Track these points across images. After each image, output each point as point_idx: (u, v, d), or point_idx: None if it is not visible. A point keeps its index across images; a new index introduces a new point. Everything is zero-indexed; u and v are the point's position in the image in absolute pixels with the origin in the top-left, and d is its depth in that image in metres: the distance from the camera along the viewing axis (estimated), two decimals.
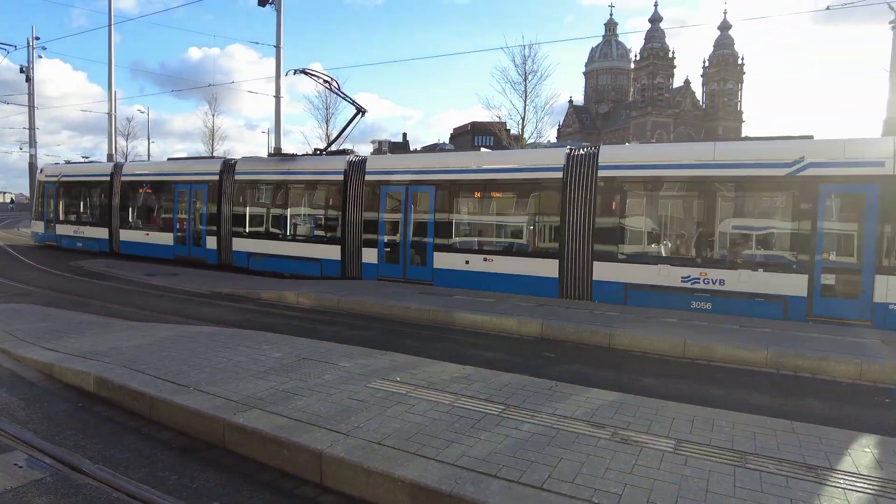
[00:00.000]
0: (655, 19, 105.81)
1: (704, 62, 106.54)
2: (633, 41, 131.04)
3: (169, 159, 20.86)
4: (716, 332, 8.80)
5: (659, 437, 4.45)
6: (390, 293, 11.98)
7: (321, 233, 15.41)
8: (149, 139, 54.15)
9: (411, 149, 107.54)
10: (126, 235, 19.62)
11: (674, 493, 3.59)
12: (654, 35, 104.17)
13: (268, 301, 12.19)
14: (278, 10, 20.67)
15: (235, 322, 9.75)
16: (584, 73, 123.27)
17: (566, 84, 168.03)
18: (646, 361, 7.94)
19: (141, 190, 19.55)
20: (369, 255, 14.33)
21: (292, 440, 4.22)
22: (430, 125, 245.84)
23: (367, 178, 14.39)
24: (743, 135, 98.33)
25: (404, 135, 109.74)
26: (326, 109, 32.73)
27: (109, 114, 26.18)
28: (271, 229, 16.28)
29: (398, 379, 5.78)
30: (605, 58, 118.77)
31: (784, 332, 8.86)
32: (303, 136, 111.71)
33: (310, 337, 7.98)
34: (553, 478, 3.72)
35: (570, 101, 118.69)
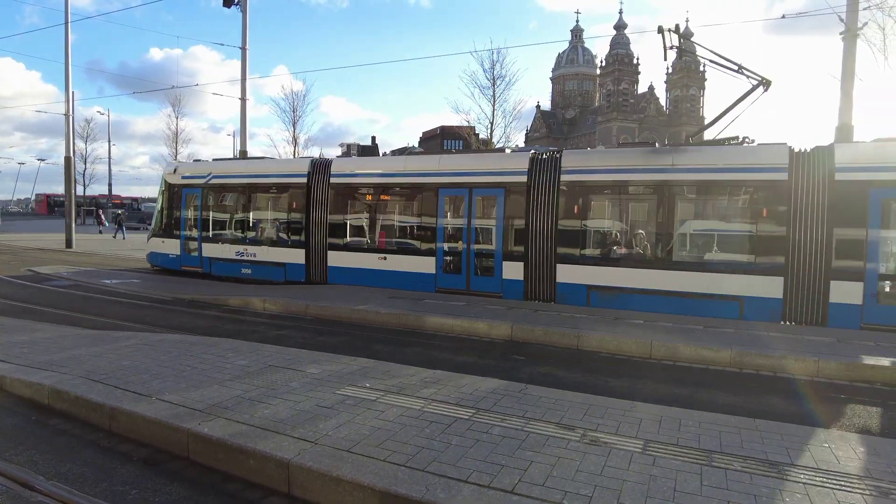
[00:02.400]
0: (620, 26, 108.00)
1: (668, 69, 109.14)
2: (599, 47, 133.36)
3: (412, 153, 15.25)
4: (681, 332, 8.97)
5: (627, 438, 4.50)
6: (359, 297, 11.87)
7: (742, 258, 10.53)
8: (109, 141, 52.92)
9: (380, 153, 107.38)
10: (339, 259, 13.96)
11: (643, 493, 3.63)
12: (620, 42, 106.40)
13: (234, 307, 11.93)
14: (244, 12, 20.37)
15: (200, 329, 9.52)
16: (551, 79, 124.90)
17: (533, 89, 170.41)
18: (614, 363, 8.04)
19: (370, 197, 14.03)
20: (847, 293, 9.61)
21: (258, 449, 4.12)
22: (399, 129, 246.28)
23: (842, 177, 9.68)
24: (704, 139, 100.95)
25: (373, 138, 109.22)
26: (294, 112, 32.26)
27: (66, 115, 25.30)
28: (636, 252, 11.31)
29: (367, 385, 5.71)
30: (572, 63, 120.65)
31: (746, 332, 9.09)
32: (269, 139, 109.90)
33: (277, 343, 7.85)
34: (524, 481, 3.72)
35: (538, 106, 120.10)
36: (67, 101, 25.10)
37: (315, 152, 36.89)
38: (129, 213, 56.65)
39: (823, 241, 9.85)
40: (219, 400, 5.14)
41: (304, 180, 14.42)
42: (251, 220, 15.58)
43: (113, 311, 11.24)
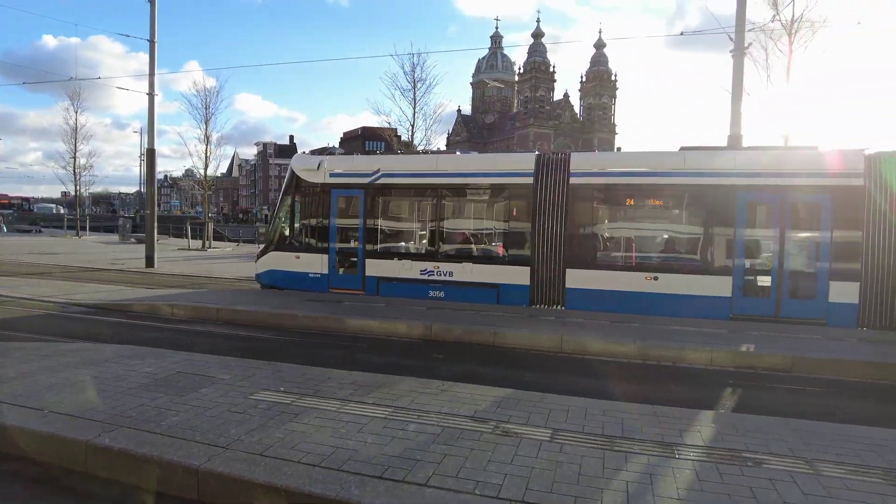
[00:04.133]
0: (537, 34, 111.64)
1: (582, 77, 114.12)
2: (517, 55, 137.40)
3: (752, 148, 11.59)
4: (590, 328, 9.43)
5: (537, 428, 4.71)
6: (276, 302, 11.58)
7: None
8: None
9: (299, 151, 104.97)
10: (584, 280, 11.20)
11: (550, 478, 3.83)
12: (537, 50, 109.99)
13: (139, 313, 11.27)
14: (152, 2, 19.29)
15: (102, 337, 8.93)
16: (472, 84, 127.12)
17: (454, 93, 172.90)
18: (527, 357, 8.34)
19: (631, 202, 11.47)
20: None
21: (165, 458, 3.96)
22: (317, 129, 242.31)
23: None
24: (616, 146, 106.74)
25: (291, 137, 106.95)
26: (206, 109, 30.74)
27: None
28: None
29: (282, 388, 5.62)
30: (492, 69, 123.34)
31: (650, 325, 9.71)
32: (179, 137, 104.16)
33: (187, 350, 7.52)
34: (437, 474, 3.82)
35: (459, 111, 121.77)
36: None
37: (229, 151, 35.35)
38: (18, 215, 52.08)
39: None
40: (122, 410, 4.88)
41: (529, 181, 11.68)
42: (445, 230, 12.53)
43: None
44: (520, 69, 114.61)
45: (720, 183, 10.66)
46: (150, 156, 19.57)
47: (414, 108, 24.97)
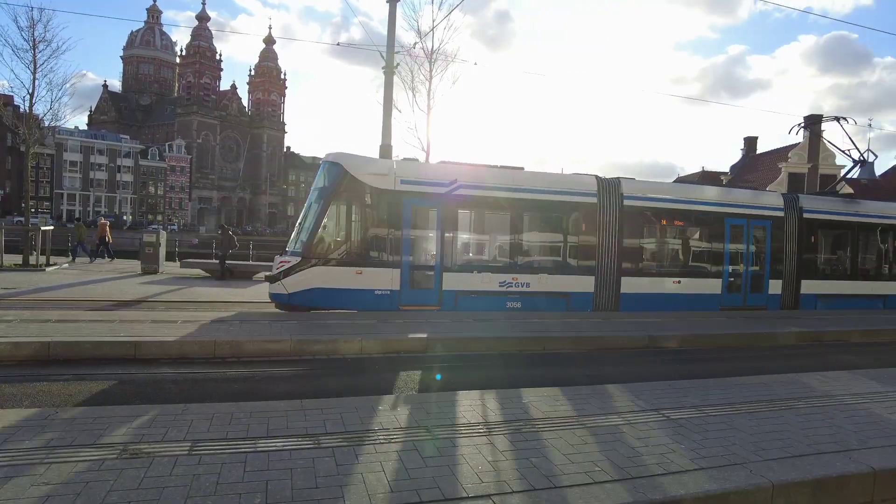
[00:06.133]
0: (203, 17, 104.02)
1: (251, 71, 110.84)
2: (180, 35, 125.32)
3: (730, 189, 17.74)
4: (244, 329, 9.16)
5: (174, 443, 4.33)
6: None
7: None
8: None
9: None
10: (633, 286, 13.90)
11: (183, 494, 3.55)
12: (202, 33, 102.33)
13: None
14: None
15: None
16: (123, 58, 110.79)
17: (98, 65, 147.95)
18: (176, 366, 7.61)
19: (665, 222, 14.82)
20: None
21: None
22: None
23: None
24: (286, 145, 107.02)
25: None
26: None
27: None
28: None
29: None
30: (148, 45, 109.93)
31: (307, 321, 9.98)
32: None
33: None
34: None
35: (105, 86, 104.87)
36: None
37: None
38: None
39: None
40: None
41: (594, 200, 13.47)
42: (523, 243, 13.19)
43: None
44: (182, 51, 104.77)
45: (714, 210, 14.77)
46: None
47: (34, 74, 20.26)
